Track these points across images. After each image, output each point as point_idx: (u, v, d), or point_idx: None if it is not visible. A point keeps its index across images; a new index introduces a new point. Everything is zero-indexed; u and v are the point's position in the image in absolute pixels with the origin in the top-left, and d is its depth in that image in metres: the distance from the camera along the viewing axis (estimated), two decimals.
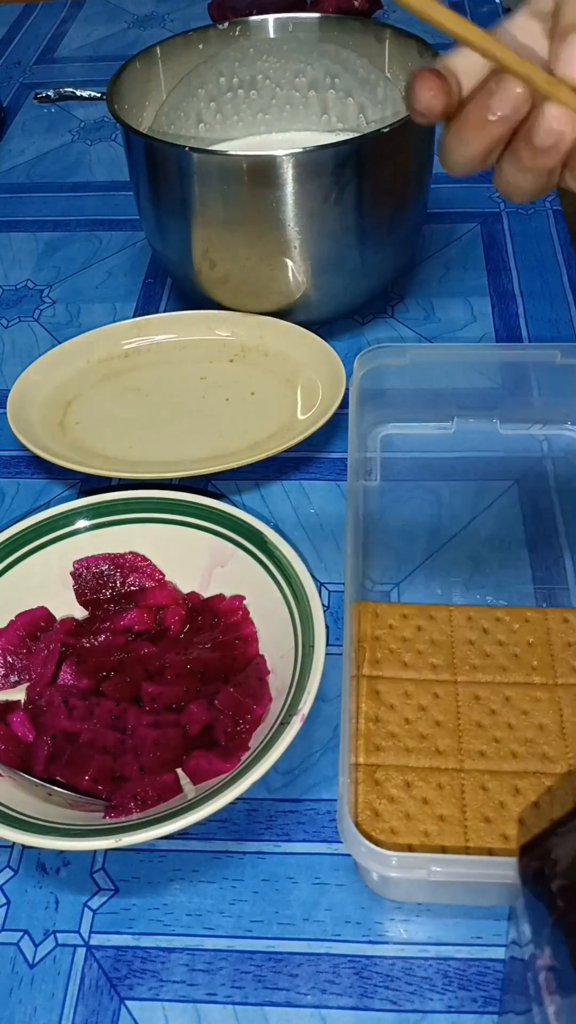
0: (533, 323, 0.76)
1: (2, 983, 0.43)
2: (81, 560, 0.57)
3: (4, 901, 0.46)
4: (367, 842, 0.40)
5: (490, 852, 0.45)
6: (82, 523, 0.58)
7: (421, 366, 0.63)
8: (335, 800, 0.48)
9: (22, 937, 0.45)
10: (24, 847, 0.48)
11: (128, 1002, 0.43)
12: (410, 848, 0.45)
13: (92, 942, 0.44)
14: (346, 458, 0.61)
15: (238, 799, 0.43)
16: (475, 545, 0.60)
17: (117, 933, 0.45)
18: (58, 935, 0.45)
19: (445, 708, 0.50)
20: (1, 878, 0.47)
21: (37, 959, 0.44)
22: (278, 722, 0.47)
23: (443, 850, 0.45)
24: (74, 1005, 0.43)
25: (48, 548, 0.57)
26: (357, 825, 0.44)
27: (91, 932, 0.45)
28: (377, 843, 0.43)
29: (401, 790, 0.47)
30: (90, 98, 0.91)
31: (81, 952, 0.44)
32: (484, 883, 0.42)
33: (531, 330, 0.75)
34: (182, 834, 0.48)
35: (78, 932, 0.45)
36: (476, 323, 0.77)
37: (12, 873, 0.47)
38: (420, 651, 0.53)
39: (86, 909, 0.46)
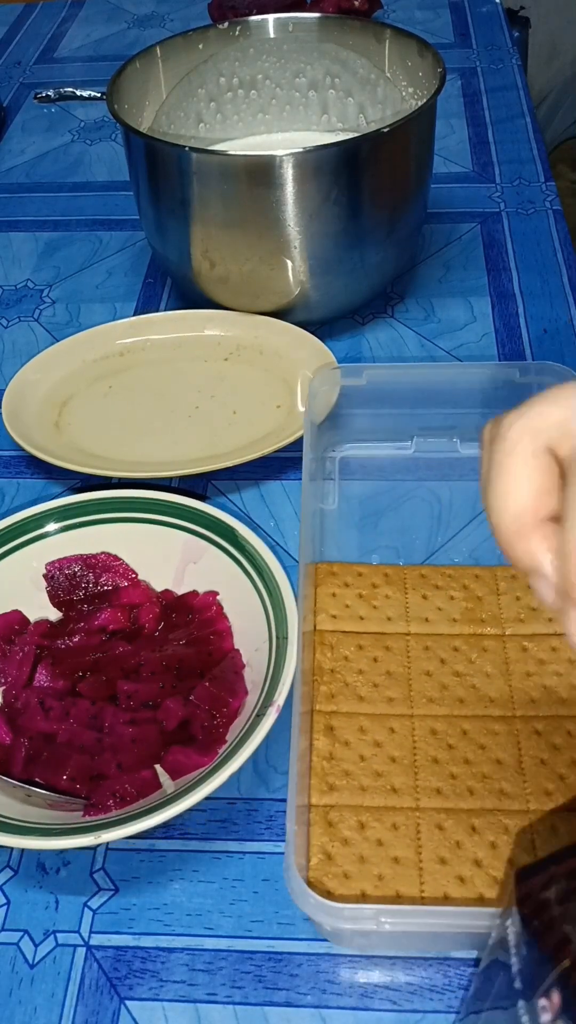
0: (533, 323, 0.76)
1: (2, 983, 0.43)
2: (53, 562, 0.57)
3: (4, 901, 0.46)
4: (315, 895, 0.39)
5: (445, 896, 0.43)
6: (52, 526, 0.57)
7: (378, 386, 0.62)
8: None
9: (22, 937, 0.45)
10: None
11: (128, 1002, 0.43)
12: (363, 893, 0.43)
13: (92, 942, 0.44)
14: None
15: (215, 791, 0.44)
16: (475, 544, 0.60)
17: (117, 933, 0.45)
18: (58, 935, 0.45)
19: (401, 743, 0.48)
20: (1, 878, 0.47)
21: (37, 959, 0.44)
22: (254, 714, 0.47)
23: (397, 895, 0.43)
24: (74, 1005, 0.43)
25: (19, 551, 0.57)
26: (309, 870, 0.43)
27: (91, 932, 0.45)
28: (329, 889, 0.43)
29: (355, 831, 0.45)
30: (90, 98, 0.90)
31: (81, 952, 0.44)
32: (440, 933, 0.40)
33: (531, 330, 0.75)
34: (182, 834, 0.48)
35: (78, 932, 0.45)
36: (476, 323, 0.77)
37: (12, 873, 0.47)
38: (376, 684, 0.51)
39: (86, 909, 0.46)
